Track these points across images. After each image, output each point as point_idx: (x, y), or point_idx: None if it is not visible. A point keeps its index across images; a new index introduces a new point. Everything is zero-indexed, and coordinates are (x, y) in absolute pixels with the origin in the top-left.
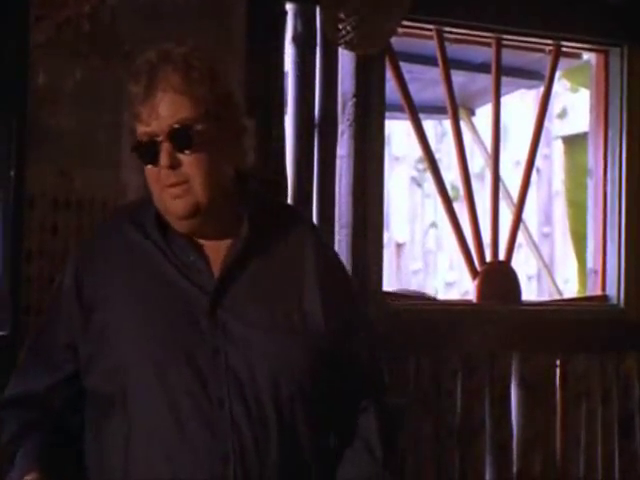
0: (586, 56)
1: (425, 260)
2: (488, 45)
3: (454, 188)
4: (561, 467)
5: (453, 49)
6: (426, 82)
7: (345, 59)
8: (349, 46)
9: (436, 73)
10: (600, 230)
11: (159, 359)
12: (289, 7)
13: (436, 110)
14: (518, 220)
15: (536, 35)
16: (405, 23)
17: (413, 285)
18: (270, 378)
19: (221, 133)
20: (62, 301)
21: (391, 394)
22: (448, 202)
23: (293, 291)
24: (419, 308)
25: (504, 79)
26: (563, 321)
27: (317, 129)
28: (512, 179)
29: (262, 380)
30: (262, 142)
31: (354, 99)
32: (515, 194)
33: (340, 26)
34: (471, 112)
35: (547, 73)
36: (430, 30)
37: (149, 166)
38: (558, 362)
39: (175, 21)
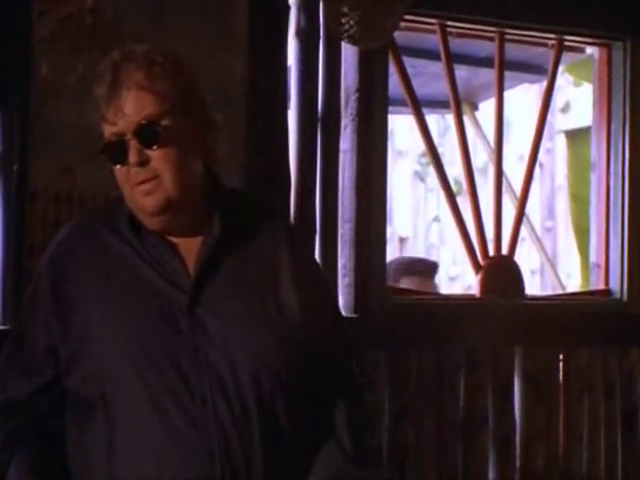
0: (589, 50)
1: (428, 254)
2: (491, 39)
3: (457, 182)
4: (564, 462)
5: (456, 43)
6: (429, 76)
7: (348, 53)
8: (352, 40)
9: (439, 67)
10: (603, 224)
11: (138, 360)
12: (292, 1)
13: (439, 104)
14: (521, 214)
15: (539, 29)
16: (408, 17)
17: None
18: (251, 372)
19: (188, 127)
20: (39, 306)
21: (363, 390)
22: (451, 196)
23: (269, 285)
24: (422, 302)
25: (507, 73)
26: (566, 315)
27: (320, 123)
28: (515, 173)
29: (243, 375)
30: (265, 136)
31: (357, 93)
32: (518, 188)
33: (343, 20)
34: (474, 106)
35: (550, 67)
36: (433, 24)
37: (118, 166)
38: (561, 356)
39: (177, 16)
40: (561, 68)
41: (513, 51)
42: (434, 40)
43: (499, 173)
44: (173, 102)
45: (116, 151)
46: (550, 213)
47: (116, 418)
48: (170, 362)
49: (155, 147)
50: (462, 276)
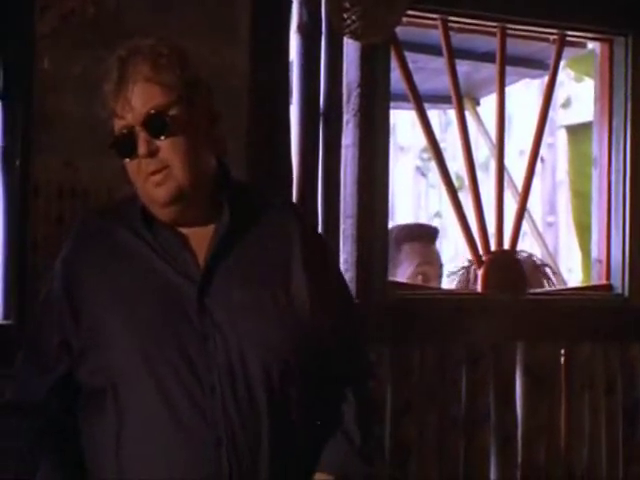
0: (590, 45)
1: None
2: (493, 34)
3: (459, 178)
4: (565, 457)
5: (458, 38)
6: (431, 71)
7: (350, 48)
8: (354, 36)
9: (441, 62)
10: (604, 219)
11: (148, 352)
12: None
13: (441, 100)
14: (523, 209)
15: (541, 24)
16: (410, 12)
17: None
18: (260, 363)
19: (195, 118)
20: (53, 305)
21: (372, 381)
22: (453, 191)
23: (279, 276)
24: (423, 297)
25: (509, 69)
26: (568, 310)
27: (322, 118)
28: (516, 168)
29: (252, 365)
30: (267, 132)
31: (359, 89)
32: (519, 183)
33: (345, 15)
34: (476, 102)
35: (552, 62)
36: (435, 19)
37: (128, 160)
38: (563, 351)
39: (180, 10)
40: (562, 63)
41: (515, 46)
42: (436, 35)
43: (500, 168)
44: (179, 93)
45: (126, 144)
46: (551, 208)
47: (125, 411)
48: (180, 353)
49: (163, 137)
50: None
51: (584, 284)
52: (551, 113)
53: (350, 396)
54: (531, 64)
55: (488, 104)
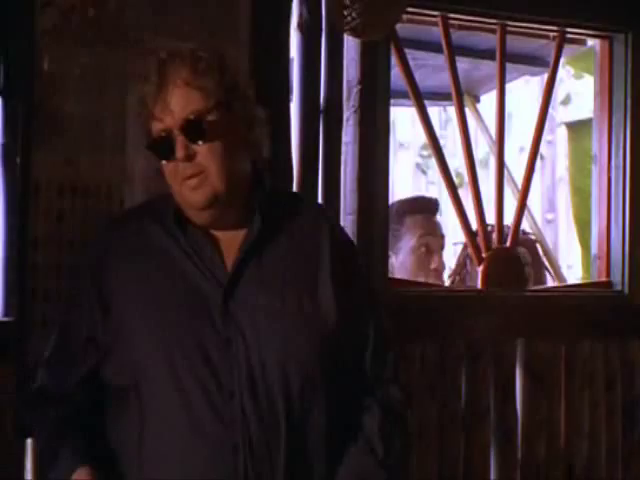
0: (590, 42)
1: None
2: (493, 32)
3: (458, 174)
4: (565, 453)
5: (458, 36)
6: (431, 69)
7: (350, 46)
8: (354, 33)
9: (441, 60)
10: (604, 216)
11: (171, 353)
12: None
13: (441, 96)
14: (522, 206)
15: (541, 21)
16: (410, 10)
17: None
18: (281, 369)
19: (232, 124)
20: (82, 296)
21: (399, 386)
22: (453, 188)
23: (306, 284)
24: (423, 294)
25: (508, 66)
26: (568, 307)
27: (322, 116)
28: (516, 165)
29: (273, 371)
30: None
31: (359, 86)
32: (519, 180)
33: (345, 13)
34: (476, 98)
35: (552, 59)
36: (435, 17)
37: (165, 162)
38: (563, 348)
39: (181, 8)
40: (562, 60)
41: (515, 43)
42: (436, 32)
43: (500, 165)
44: (218, 98)
45: (163, 146)
46: (551, 205)
47: (147, 411)
48: (202, 356)
49: (201, 142)
50: None
51: (584, 281)
52: (551, 110)
53: (375, 407)
54: (531, 61)
55: (488, 101)
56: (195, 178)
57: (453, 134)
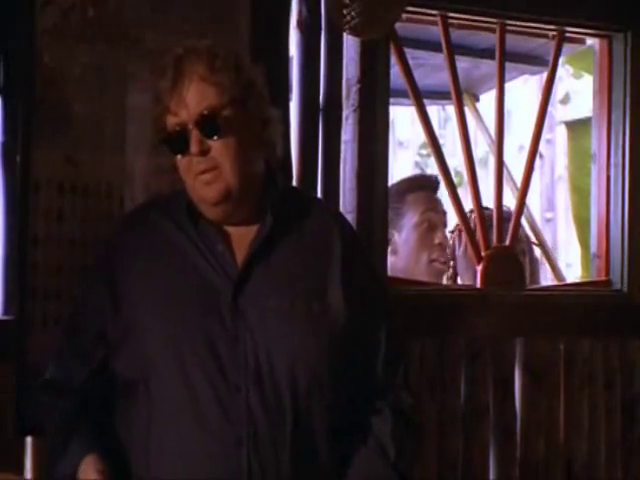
0: (590, 41)
1: None
2: (492, 31)
3: (458, 173)
4: (564, 451)
5: (457, 35)
6: (430, 67)
7: (350, 44)
8: (354, 31)
9: (440, 59)
10: (603, 215)
11: (181, 347)
12: None
13: (440, 95)
14: (522, 205)
15: (540, 21)
16: (409, 9)
17: None
18: (288, 367)
19: (247, 121)
20: (94, 290)
21: (408, 391)
22: (452, 187)
23: (316, 282)
24: (423, 293)
25: (508, 65)
26: (567, 306)
27: (322, 114)
28: (515, 164)
29: (280, 368)
30: None
31: (358, 84)
32: (519, 179)
33: (345, 11)
34: (475, 98)
35: (551, 59)
36: (434, 16)
37: (179, 156)
38: (562, 347)
39: (180, 6)
40: (561, 59)
41: (514, 42)
42: (435, 31)
43: (500, 164)
44: (233, 95)
45: (178, 141)
46: (550, 204)
47: (155, 406)
48: (211, 352)
49: (216, 137)
50: None
51: (583, 280)
52: (550, 109)
53: (386, 410)
54: (530, 60)
55: (487, 100)
56: (209, 173)
57: (452, 133)
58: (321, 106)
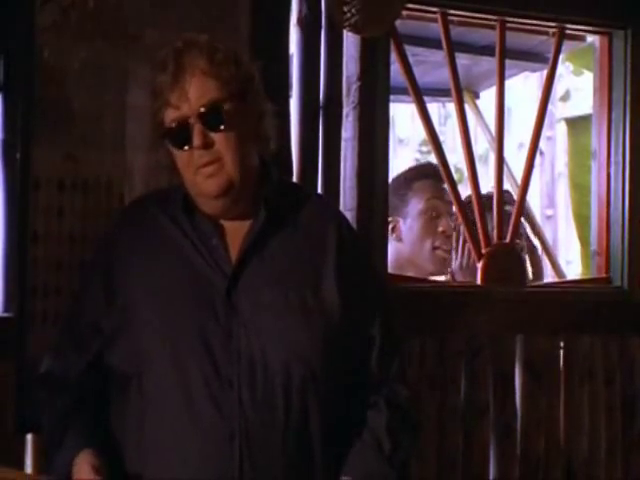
0: (590, 38)
1: None
2: (492, 28)
3: (458, 170)
4: (564, 448)
5: (457, 32)
6: (430, 65)
7: (350, 42)
8: (354, 29)
9: (440, 56)
10: (604, 212)
11: (175, 341)
12: None
13: (440, 93)
14: (522, 202)
15: (540, 18)
16: (409, 6)
17: None
18: (281, 361)
19: (245, 115)
20: (90, 283)
21: (405, 384)
22: (452, 184)
23: (310, 277)
24: (423, 290)
25: (508, 62)
26: (567, 303)
27: (322, 112)
28: (516, 161)
29: (273, 363)
30: None
31: (359, 82)
32: (519, 176)
33: (345, 9)
34: (475, 95)
35: (551, 56)
36: (434, 13)
37: (179, 151)
38: (562, 344)
39: (180, 3)
40: (562, 56)
41: (514, 39)
42: (435, 28)
43: (500, 161)
44: (233, 89)
45: (180, 135)
46: (550, 201)
47: (147, 400)
48: (204, 346)
49: (219, 130)
50: None
51: (583, 277)
52: (550, 106)
53: (381, 403)
54: (530, 57)
55: (487, 97)
56: (211, 166)
57: (452, 130)
58: (321, 104)
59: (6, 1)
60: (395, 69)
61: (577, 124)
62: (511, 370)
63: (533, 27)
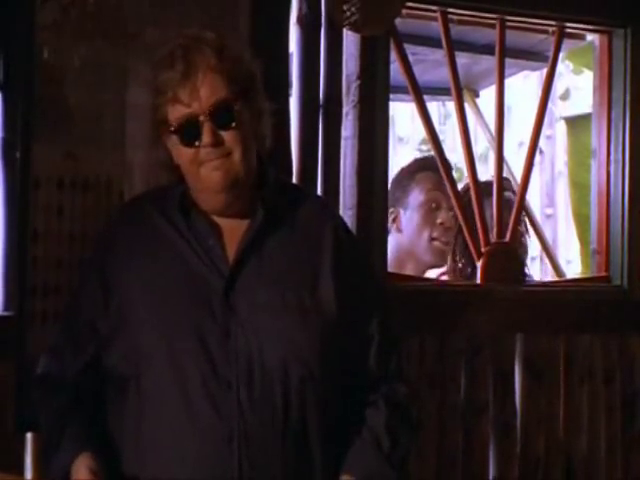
0: (590, 37)
1: None
2: (492, 26)
3: (458, 169)
4: (564, 447)
5: (457, 30)
6: (430, 63)
7: (349, 40)
8: (354, 27)
9: (440, 54)
10: (603, 211)
11: (172, 342)
12: None
13: (440, 91)
14: (522, 201)
15: (540, 16)
16: (409, 4)
17: None
18: (279, 361)
19: (250, 113)
20: (87, 281)
21: (403, 382)
22: (452, 183)
23: (307, 277)
24: (423, 289)
25: (508, 61)
26: (567, 302)
27: (322, 110)
28: (515, 160)
29: (271, 364)
30: None
31: (358, 80)
32: (518, 175)
33: (345, 7)
34: (475, 93)
35: (551, 54)
36: (434, 11)
37: (186, 148)
38: (562, 343)
39: (180, 2)
40: (561, 55)
41: (514, 38)
42: (435, 27)
43: (500, 160)
44: (241, 86)
45: (189, 132)
46: (550, 200)
47: (145, 401)
48: (201, 346)
49: (229, 128)
50: None
51: (583, 275)
52: (550, 105)
53: (380, 402)
54: (530, 56)
55: (487, 96)
56: (218, 160)
57: (452, 129)
58: (321, 102)
59: (6, 0)
60: (395, 68)
61: (577, 123)
62: (511, 369)
63: (533, 26)
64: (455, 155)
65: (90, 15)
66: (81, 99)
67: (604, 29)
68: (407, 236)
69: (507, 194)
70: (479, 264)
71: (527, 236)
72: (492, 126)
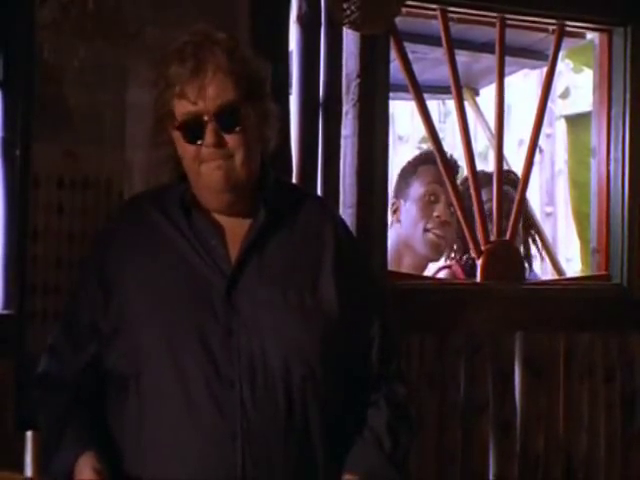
0: (590, 36)
1: None
2: (492, 25)
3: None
4: (564, 445)
5: (457, 29)
6: (430, 62)
7: (349, 39)
8: (354, 26)
9: (440, 53)
10: (603, 209)
11: (173, 341)
12: None
13: (440, 90)
14: (522, 199)
15: (540, 15)
16: (409, 3)
17: None
18: (281, 360)
19: (257, 115)
20: (87, 282)
21: (403, 383)
22: (452, 182)
23: (308, 276)
24: (422, 287)
25: (508, 59)
26: (567, 300)
27: (321, 109)
28: (515, 158)
29: (273, 362)
30: None
31: (358, 79)
32: (518, 173)
33: (345, 6)
34: (475, 92)
35: (551, 53)
36: (434, 10)
37: (188, 145)
38: (562, 341)
39: (179, 2)
40: (561, 54)
41: (514, 37)
42: (435, 26)
43: (499, 158)
44: (249, 88)
45: (192, 129)
46: (550, 198)
47: (146, 400)
48: (203, 345)
49: (234, 131)
50: None
51: (583, 274)
52: (550, 103)
53: (382, 402)
54: (530, 54)
55: (487, 94)
56: (220, 160)
57: (452, 127)
58: (321, 101)
59: None
60: (395, 66)
61: (577, 121)
62: (511, 367)
63: (533, 24)
64: (455, 153)
65: (90, 14)
66: (81, 98)
67: (604, 27)
68: (405, 227)
69: (506, 188)
70: (479, 262)
71: (533, 239)
72: (492, 124)
